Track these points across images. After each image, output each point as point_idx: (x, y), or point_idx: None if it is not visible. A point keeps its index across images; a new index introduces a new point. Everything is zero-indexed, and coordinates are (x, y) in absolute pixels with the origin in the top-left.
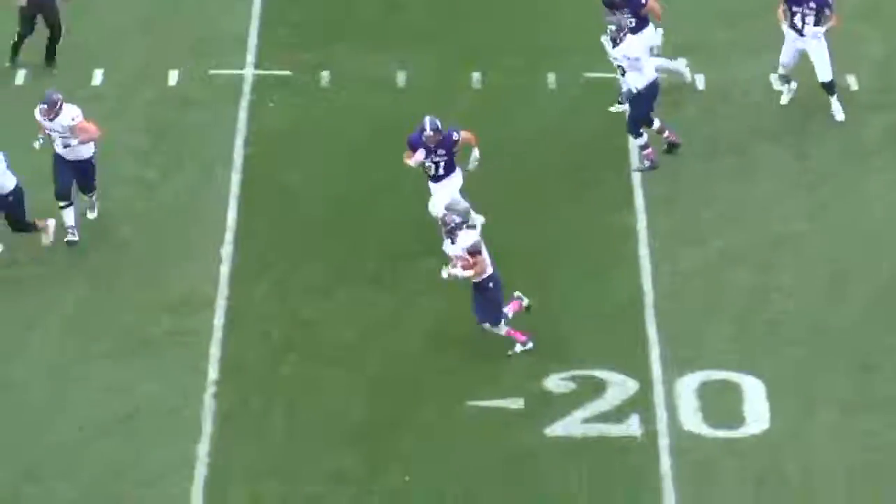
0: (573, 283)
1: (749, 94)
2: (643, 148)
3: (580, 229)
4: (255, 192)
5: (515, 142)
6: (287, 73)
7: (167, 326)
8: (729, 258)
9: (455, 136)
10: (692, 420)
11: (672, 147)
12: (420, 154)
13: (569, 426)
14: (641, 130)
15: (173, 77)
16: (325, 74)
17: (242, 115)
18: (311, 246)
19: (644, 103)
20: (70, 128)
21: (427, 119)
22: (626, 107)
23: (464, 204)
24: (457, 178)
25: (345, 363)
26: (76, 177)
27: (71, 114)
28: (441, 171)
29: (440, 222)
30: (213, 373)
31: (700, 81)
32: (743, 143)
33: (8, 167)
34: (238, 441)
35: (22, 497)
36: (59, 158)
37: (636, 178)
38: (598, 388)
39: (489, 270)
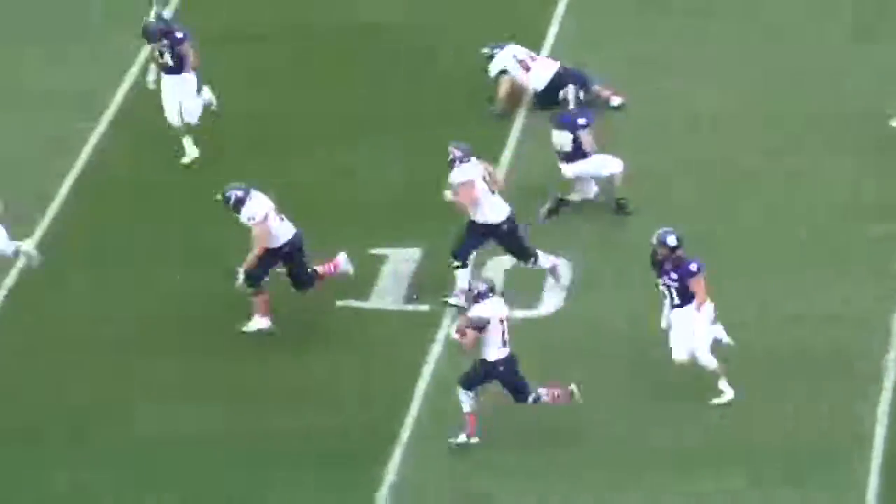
0: None
1: None
2: None
3: None
4: None
5: None
6: None
7: None
8: None
9: (693, 266)
10: None
11: None
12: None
13: None
14: None
15: None
16: None
17: None
18: None
19: None
20: (248, 227)
21: (661, 231)
22: None
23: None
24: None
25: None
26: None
27: (248, 213)
28: (676, 299)
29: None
30: None
31: None
32: None
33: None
34: None
35: None
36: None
37: None
38: None
39: (489, 356)
